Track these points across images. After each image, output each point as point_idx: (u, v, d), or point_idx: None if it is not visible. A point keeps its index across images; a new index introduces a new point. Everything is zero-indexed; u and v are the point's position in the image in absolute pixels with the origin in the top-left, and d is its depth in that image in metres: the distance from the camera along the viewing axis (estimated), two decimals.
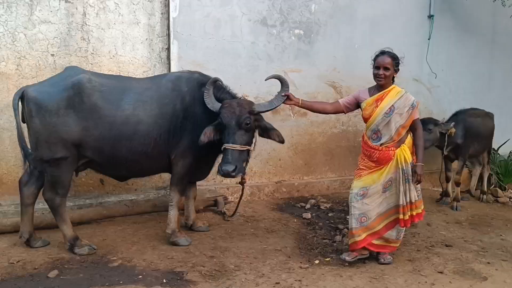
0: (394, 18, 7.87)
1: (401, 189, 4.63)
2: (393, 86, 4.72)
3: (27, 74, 5.60)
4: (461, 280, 4.51)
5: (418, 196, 4.73)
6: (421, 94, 8.25)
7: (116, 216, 5.78)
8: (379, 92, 4.71)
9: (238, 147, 4.63)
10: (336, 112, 5.06)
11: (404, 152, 4.63)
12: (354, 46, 7.41)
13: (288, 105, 7.05)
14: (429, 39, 8.13)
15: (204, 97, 4.79)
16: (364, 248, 4.79)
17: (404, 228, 4.82)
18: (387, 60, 4.61)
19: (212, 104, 4.79)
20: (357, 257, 4.77)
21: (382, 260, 4.80)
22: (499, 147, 8.63)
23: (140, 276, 4.27)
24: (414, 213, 4.69)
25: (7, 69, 5.51)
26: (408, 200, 4.63)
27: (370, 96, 4.76)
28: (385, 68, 4.60)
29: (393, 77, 4.75)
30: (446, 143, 7.02)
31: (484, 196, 7.82)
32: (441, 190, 7.58)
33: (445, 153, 7.14)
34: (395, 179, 4.66)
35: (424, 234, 5.80)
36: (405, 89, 7.80)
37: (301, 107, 5.11)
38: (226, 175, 4.61)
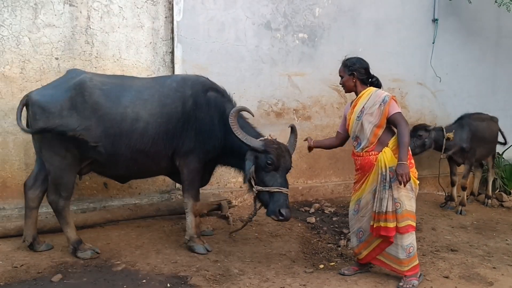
0: (398, 22, 7.85)
1: (378, 195, 4.30)
2: (367, 89, 4.56)
3: (31, 78, 5.60)
4: (467, 285, 4.48)
5: (397, 209, 4.26)
6: (425, 98, 8.24)
7: (120, 220, 5.76)
8: (355, 99, 4.62)
9: (288, 190, 4.64)
10: (343, 141, 4.94)
11: (384, 156, 4.31)
12: (358, 50, 7.36)
13: (292, 109, 7.11)
14: (433, 42, 8.10)
15: (234, 130, 4.56)
16: (367, 263, 4.68)
17: (411, 244, 4.36)
18: (340, 68, 4.67)
19: (249, 138, 4.60)
20: (357, 272, 4.64)
21: (402, 283, 4.36)
22: (504, 151, 8.56)
23: (144, 281, 4.25)
24: (382, 224, 4.26)
25: (11, 73, 5.52)
26: (382, 209, 4.24)
27: (350, 106, 4.68)
28: (340, 77, 4.67)
29: (364, 82, 4.59)
30: (444, 147, 7.02)
31: (489, 201, 7.77)
32: (445, 194, 7.53)
33: (442, 157, 7.13)
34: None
35: (429, 239, 5.77)
36: (410, 93, 7.95)
37: (314, 147, 5.09)
38: (287, 219, 4.53)
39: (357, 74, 4.54)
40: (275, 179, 4.57)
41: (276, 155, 4.57)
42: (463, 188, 7.25)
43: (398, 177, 4.14)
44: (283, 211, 4.46)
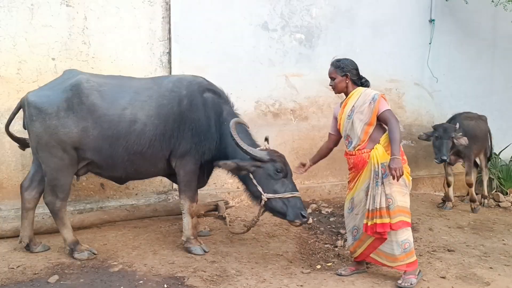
0: (395, 22, 7.86)
1: (371, 192, 4.33)
2: (356, 89, 4.60)
3: (28, 78, 5.59)
4: (464, 285, 4.48)
5: (389, 205, 4.28)
6: (422, 98, 8.26)
7: (117, 220, 5.76)
8: (345, 99, 4.66)
9: None
10: (336, 143, 4.97)
11: (376, 153, 4.34)
12: (355, 50, 7.38)
13: (289, 109, 7.11)
14: (430, 43, 8.12)
15: (237, 142, 4.59)
16: (360, 262, 4.68)
17: (407, 240, 4.35)
18: (330, 70, 4.67)
19: (250, 149, 4.66)
20: (355, 272, 4.64)
21: (400, 281, 4.34)
22: (501, 151, 8.60)
23: (141, 281, 4.24)
24: (378, 221, 4.27)
25: (7, 73, 5.51)
26: (376, 206, 4.27)
27: (340, 107, 4.71)
28: (331, 78, 4.67)
29: (356, 83, 4.62)
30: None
31: (485, 201, 7.77)
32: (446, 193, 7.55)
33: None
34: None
35: (426, 239, 5.77)
36: (406, 93, 7.96)
37: (313, 165, 5.10)
38: (308, 220, 4.83)
39: (350, 75, 4.59)
40: (286, 185, 4.73)
41: (283, 162, 4.75)
42: (470, 185, 7.32)
43: (392, 171, 4.16)
44: (304, 213, 4.65)
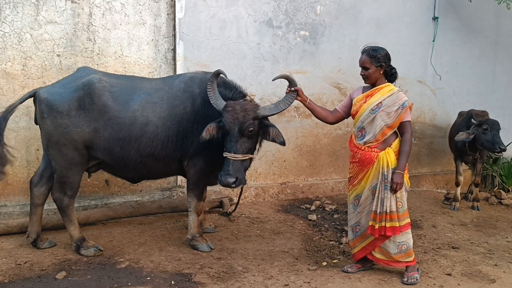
0: (399, 20, 7.86)
1: (378, 195, 4.33)
2: (387, 84, 4.48)
3: (33, 75, 5.58)
4: (470, 282, 4.51)
5: (398, 208, 4.36)
6: (425, 96, 8.26)
7: (122, 217, 5.76)
8: (371, 89, 4.51)
9: (240, 156, 4.44)
10: (337, 121, 4.79)
11: (388, 156, 4.33)
12: (359, 48, 7.23)
13: (293, 106, 7.10)
14: (433, 40, 8.12)
15: (208, 91, 4.56)
16: (366, 259, 4.67)
17: (404, 242, 4.44)
18: (364, 59, 4.43)
19: (216, 100, 4.54)
20: (361, 269, 4.65)
21: (405, 279, 4.44)
22: None
23: (148, 278, 4.26)
24: (388, 225, 4.32)
25: (13, 70, 5.50)
26: (384, 209, 4.30)
27: (363, 93, 4.55)
28: (364, 68, 4.44)
29: (387, 74, 4.49)
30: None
31: (477, 189, 7.53)
32: (468, 192, 7.59)
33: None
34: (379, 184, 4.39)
35: (430, 236, 5.80)
36: (410, 90, 7.96)
37: (307, 107, 4.70)
38: (226, 186, 4.43)
39: (385, 66, 4.42)
40: (226, 142, 4.54)
41: (225, 117, 4.45)
42: (476, 185, 7.35)
43: (393, 185, 4.27)
44: (220, 176, 4.46)
